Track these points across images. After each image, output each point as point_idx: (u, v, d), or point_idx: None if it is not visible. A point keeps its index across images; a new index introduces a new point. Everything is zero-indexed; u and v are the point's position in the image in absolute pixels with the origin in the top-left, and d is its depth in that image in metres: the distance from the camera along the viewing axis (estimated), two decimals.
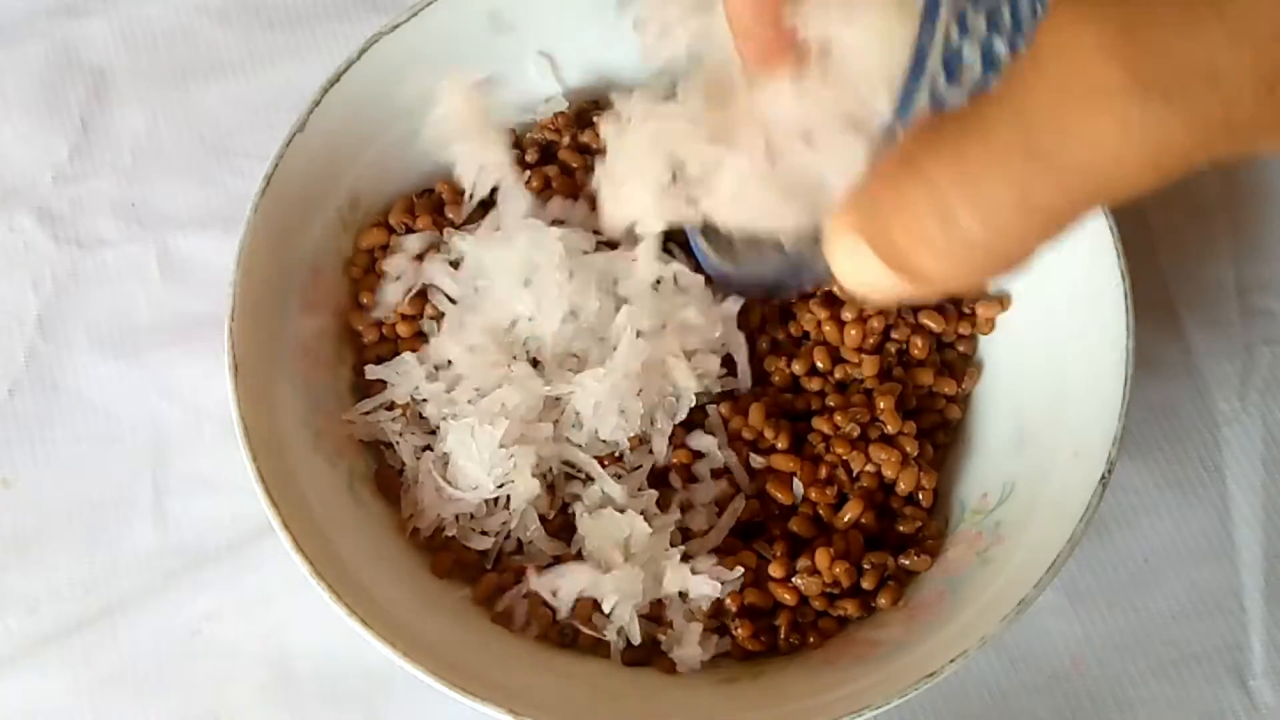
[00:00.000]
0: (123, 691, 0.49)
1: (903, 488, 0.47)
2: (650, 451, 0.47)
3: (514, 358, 0.47)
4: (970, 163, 0.21)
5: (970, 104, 0.21)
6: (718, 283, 0.35)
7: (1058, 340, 0.48)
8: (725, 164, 0.32)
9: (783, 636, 0.46)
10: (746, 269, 0.33)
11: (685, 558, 0.46)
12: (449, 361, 0.48)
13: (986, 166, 0.20)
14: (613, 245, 0.49)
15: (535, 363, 0.48)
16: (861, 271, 0.23)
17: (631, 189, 0.35)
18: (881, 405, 0.48)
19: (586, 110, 0.53)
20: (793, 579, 0.46)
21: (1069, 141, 0.20)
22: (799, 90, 0.29)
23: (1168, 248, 0.55)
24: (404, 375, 0.48)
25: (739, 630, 0.46)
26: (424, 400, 0.48)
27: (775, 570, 0.46)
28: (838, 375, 0.49)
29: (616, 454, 0.47)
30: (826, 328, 0.49)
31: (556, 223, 0.49)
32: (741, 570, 0.46)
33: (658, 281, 0.48)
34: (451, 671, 0.41)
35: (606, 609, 0.45)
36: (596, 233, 0.49)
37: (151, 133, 0.58)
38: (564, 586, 0.45)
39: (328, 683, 0.49)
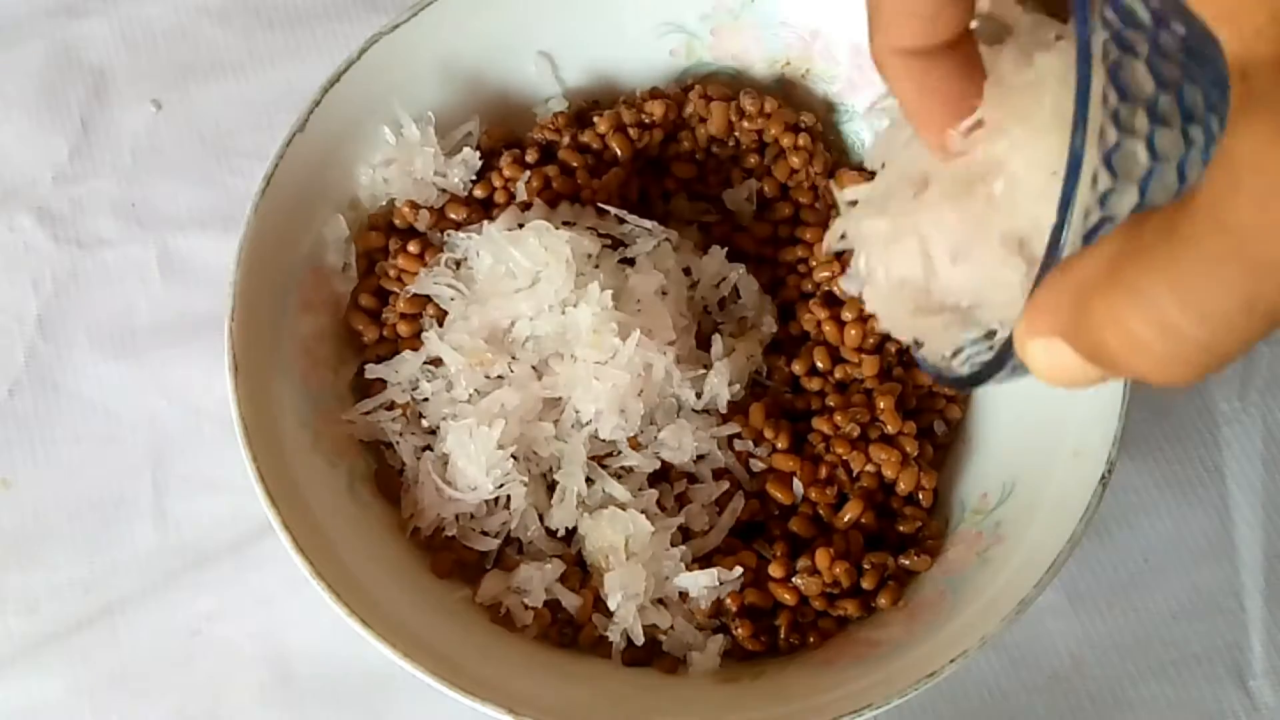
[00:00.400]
0: (123, 691, 0.49)
1: (903, 488, 0.47)
2: (656, 455, 0.47)
3: (513, 358, 0.47)
4: (1186, 274, 0.21)
5: (1168, 212, 0.21)
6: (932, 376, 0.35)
7: None
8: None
9: (783, 636, 0.46)
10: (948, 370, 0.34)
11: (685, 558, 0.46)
12: (440, 361, 0.48)
13: (1205, 278, 0.21)
14: (616, 246, 0.49)
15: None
16: (1061, 368, 0.24)
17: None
18: (881, 405, 0.48)
19: (586, 110, 0.53)
20: (793, 579, 0.46)
21: None
22: (960, 209, 0.30)
23: None
24: (403, 374, 0.48)
25: (739, 630, 0.46)
26: (424, 400, 0.48)
27: (775, 570, 0.46)
28: (838, 375, 0.49)
29: (617, 451, 0.47)
30: (826, 327, 0.49)
31: (565, 224, 0.49)
32: (741, 570, 0.46)
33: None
34: (451, 671, 0.41)
35: (612, 607, 0.45)
36: (603, 234, 0.49)
37: (151, 133, 0.58)
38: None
39: (327, 682, 0.49)
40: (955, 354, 0.34)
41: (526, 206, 0.49)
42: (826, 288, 0.50)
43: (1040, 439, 0.47)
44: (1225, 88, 0.22)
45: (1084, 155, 0.24)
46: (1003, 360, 0.29)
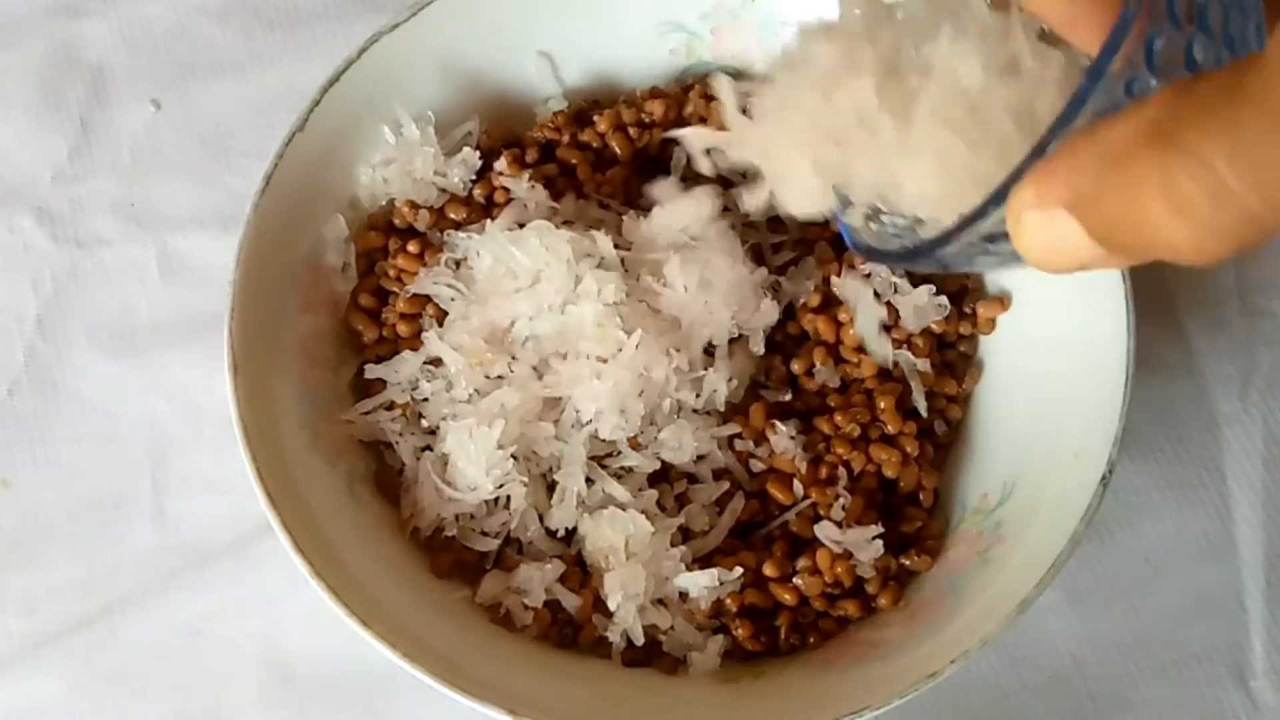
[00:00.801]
0: (123, 691, 0.49)
1: (903, 487, 0.47)
2: (656, 455, 0.47)
3: (513, 358, 0.47)
4: (1248, 136, 0.20)
5: (1226, 74, 0.21)
6: (870, 257, 0.33)
7: (1058, 340, 0.48)
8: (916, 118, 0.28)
9: (783, 637, 0.46)
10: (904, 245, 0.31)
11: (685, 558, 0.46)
12: (440, 361, 0.47)
13: (1270, 140, 0.20)
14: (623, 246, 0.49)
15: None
16: (1059, 246, 0.23)
17: (797, 165, 0.32)
18: (882, 405, 0.48)
19: (586, 110, 0.53)
20: (793, 579, 0.46)
21: None
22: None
23: None
24: (403, 374, 0.48)
25: (739, 630, 0.46)
26: (424, 400, 0.48)
27: (774, 570, 0.46)
28: (838, 375, 0.49)
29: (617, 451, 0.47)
30: (825, 327, 0.49)
31: (566, 224, 0.49)
32: (741, 570, 0.46)
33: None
34: (451, 671, 0.41)
35: (612, 607, 0.45)
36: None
37: (151, 132, 0.57)
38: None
39: (327, 683, 0.49)
40: (871, 218, 0.32)
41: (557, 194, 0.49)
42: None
43: (1041, 439, 0.47)
44: None
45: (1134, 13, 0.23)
46: (961, 229, 0.26)
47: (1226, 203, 0.20)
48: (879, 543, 0.46)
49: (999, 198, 0.24)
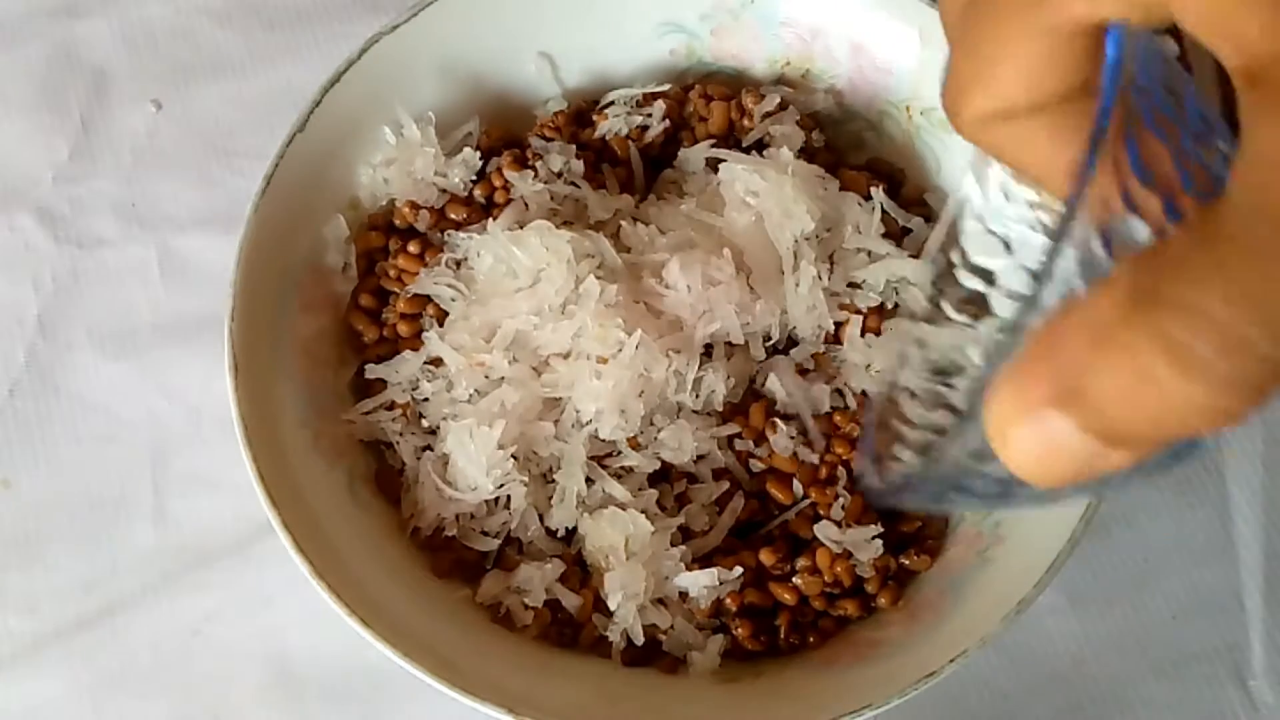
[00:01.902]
0: (123, 691, 0.49)
1: None
2: (656, 455, 0.47)
3: (514, 359, 0.47)
4: (1239, 274, 0.18)
5: (1194, 224, 0.19)
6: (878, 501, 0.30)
7: None
8: None
9: (783, 636, 0.46)
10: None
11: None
12: (440, 361, 0.48)
13: (1263, 273, 0.18)
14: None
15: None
16: (1053, 452, 0.20)
17: None
18: None
19: (586, 110, 0.53)
20: (793, 579, 0.46)
21: None
22: None
23: None
24: (403, 374, 0.48)
25: (739, 630, 0.46)
26: (424, 400, 0.48)
27: (771, 558, 0.46)
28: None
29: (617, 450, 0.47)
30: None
31: (566, 224, 0.49)
32: (741, 570, 0.46)
33: None
34: (451, 671, 0.41)
35: (612, 606, 0.45)
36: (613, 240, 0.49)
37: (152, 133, 0.57)
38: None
39: (328, 683, 0.49)
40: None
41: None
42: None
43: None
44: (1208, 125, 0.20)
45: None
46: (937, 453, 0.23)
47: (1237, 349, 0.18)
48: (879, 542, 0.46)
49: (973, 413, 0.21)
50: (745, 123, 0.52)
